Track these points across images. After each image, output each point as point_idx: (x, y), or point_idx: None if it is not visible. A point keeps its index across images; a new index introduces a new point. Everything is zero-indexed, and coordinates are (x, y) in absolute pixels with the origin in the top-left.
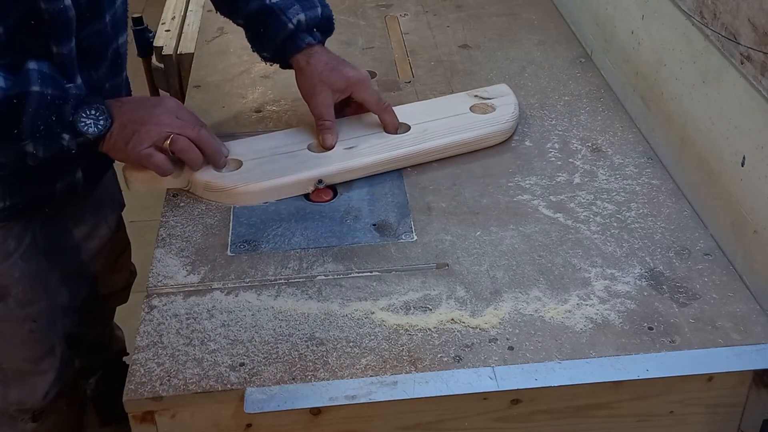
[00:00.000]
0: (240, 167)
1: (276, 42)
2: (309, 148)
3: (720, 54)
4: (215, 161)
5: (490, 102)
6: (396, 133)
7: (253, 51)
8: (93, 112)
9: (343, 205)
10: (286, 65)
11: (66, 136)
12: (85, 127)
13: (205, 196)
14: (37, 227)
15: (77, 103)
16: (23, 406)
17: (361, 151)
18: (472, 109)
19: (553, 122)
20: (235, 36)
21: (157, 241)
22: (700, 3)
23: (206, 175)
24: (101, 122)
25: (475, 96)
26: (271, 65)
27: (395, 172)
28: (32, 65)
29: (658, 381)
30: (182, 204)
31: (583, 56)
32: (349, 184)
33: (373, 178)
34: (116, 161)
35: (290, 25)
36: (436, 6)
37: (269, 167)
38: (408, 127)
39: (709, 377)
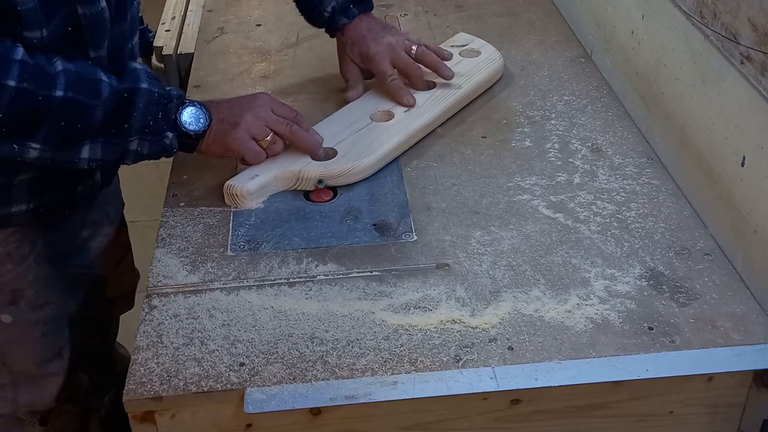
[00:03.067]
0: (335, 153)
1: (320, 26)
2: (372, 118)
3: (720, 54)
4: (313, 154)
5: (469, 48)
6: (427, 89)
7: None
8: (194, 110)
9: (343, 205)
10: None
11: (170, 135)
12: (188, 125)
13: (320, 186)
14: (49, 231)
15: (179, 103)
16: (33, 409)
17: (421, 110)
18: (461, 55)
19: (553, 122)
20: (235, 36)
21: (157, 241)
22: (700, 3)
23: (318, 167)
24: (202, 120)
25: (452, 46)
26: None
27: (395, 172)
28: (137, 65)
29: (658, 381)
30: (182, 204)
31: (583, 56)
32: (349, 184)
33: (373, 177)
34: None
35: (326, 14)
36: (436, 6)
37: (362, 145)
38: (433, 83)
39: (709, 377)
